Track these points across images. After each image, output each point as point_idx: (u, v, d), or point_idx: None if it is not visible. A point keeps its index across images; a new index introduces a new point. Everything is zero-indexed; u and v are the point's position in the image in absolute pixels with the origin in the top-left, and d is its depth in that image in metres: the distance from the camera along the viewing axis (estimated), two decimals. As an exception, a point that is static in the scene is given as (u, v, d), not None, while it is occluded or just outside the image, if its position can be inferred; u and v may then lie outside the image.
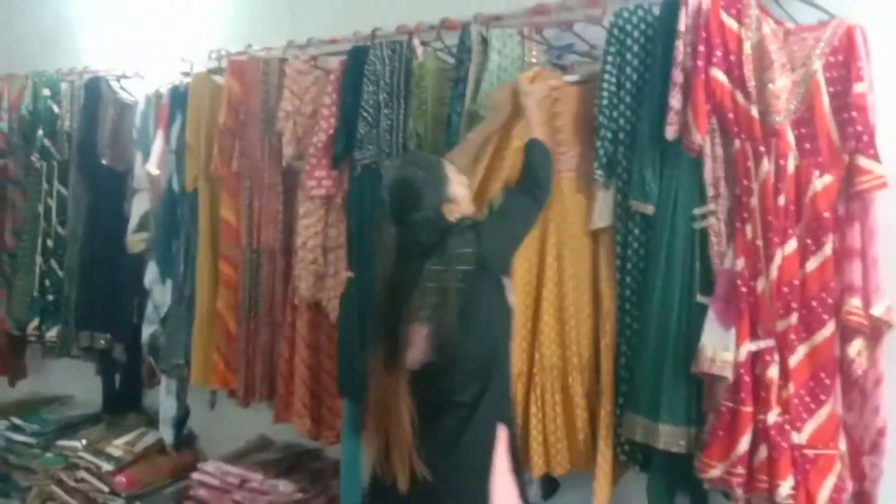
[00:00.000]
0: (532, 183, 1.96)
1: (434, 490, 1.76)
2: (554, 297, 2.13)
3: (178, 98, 3.06)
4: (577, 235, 2.16)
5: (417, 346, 1.79)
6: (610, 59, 2.03)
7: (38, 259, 3.52)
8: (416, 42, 2.45)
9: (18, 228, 3.63)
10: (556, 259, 2.14)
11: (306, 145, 2.63)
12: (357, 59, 2.51)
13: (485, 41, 2.26)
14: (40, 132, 3.49)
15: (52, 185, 3.50)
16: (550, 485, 2.31)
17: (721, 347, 1.91)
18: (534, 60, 2.26)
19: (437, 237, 1.81)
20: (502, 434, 1.85)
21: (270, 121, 2.75)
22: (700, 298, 1.98)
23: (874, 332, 1.90)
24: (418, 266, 1.78)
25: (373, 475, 1.89)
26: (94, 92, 3.39)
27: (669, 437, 1.95)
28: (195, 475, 2.93)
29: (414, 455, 1.75)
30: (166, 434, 3.18)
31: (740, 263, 1.92)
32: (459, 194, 1.90)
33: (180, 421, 3.19)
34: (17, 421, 3.56)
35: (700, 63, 1.92)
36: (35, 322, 3.51)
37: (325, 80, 2.64)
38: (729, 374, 1.90)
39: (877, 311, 1.88)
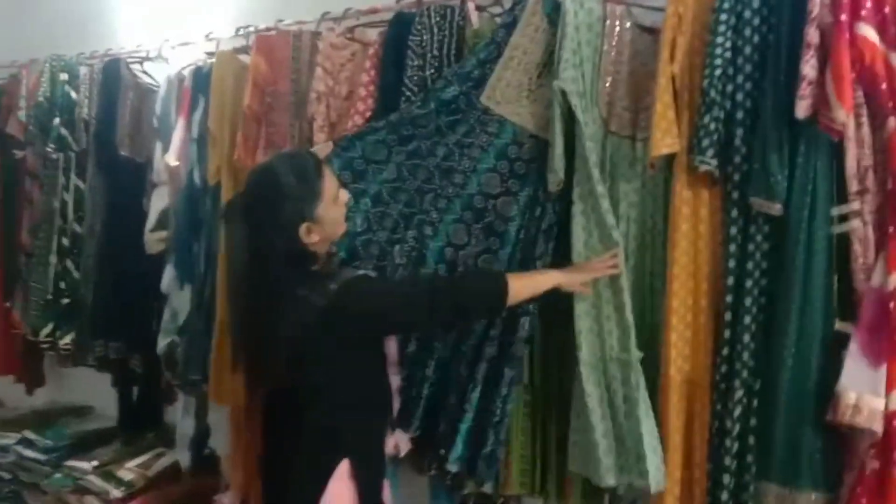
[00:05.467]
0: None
1: None
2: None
3: (201, 81, 2.74)
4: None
5: None
6: (724, 17, 1.60)
7: (53, 259, 3.22)
8: (470, 6, 2.06)
9: (35, 226, 3.33)
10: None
11: (341, 131, 2.26)
12: (400, 28, 2.13)
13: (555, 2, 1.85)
14: (56, 120, 3.19)
15: (69, 178, 3.19)
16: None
17: (868, 391, 1.47)
18: (617, 24, 1.83)
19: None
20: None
21: (302, 104, 2.40)
22: (839, 325, 1.53)
23: None
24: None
25: None
26: (113, 76, 3.07)
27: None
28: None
29: None
30: (183, 457, 2.87)
31: (894, 281, 1.47)
32: (328, 214, 1.68)
33: (199, 442, 2.86)
34: (29, 435, 3.27)
35: (844, 17, 1.47)
36: (49, 327, 3.21)
37: (363, 54, 2.27)
38: (878, 426, 1.46)
39: None
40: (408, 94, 2.07)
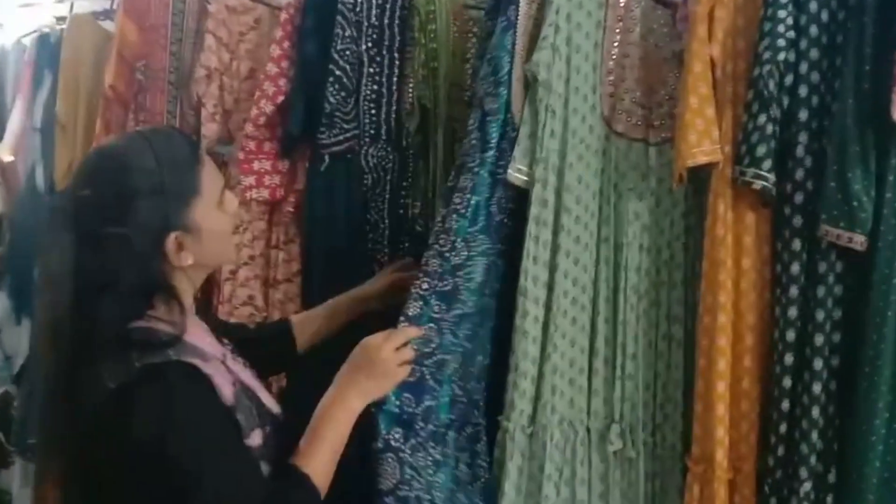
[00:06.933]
0: None
1: None
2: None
3: (48, 52, 2.36)
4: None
5: None
6: (780, -13, 1.22)
7: None
8: (421, -37, 1.66)
9: None
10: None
11: (239, 121, 1.87)
12: (325, -13, 1.69)
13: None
14: None
15: None
16: None
17: None
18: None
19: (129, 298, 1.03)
20: None
21: (184, 83, 2.02)
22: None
23: None
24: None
25: None
26: (-71, 44, 2.54)
27: None
28: None
29: None
30: (21, 540, 2.33)
31: None
32: (210, 222, 1.09)
33: (43, 521, 2.29)
34: None
35: (956, -11, 1.11)
36: None
37: (272, 21, 1.86)
38: None
39: None
40: (336, 73, 1.61)
